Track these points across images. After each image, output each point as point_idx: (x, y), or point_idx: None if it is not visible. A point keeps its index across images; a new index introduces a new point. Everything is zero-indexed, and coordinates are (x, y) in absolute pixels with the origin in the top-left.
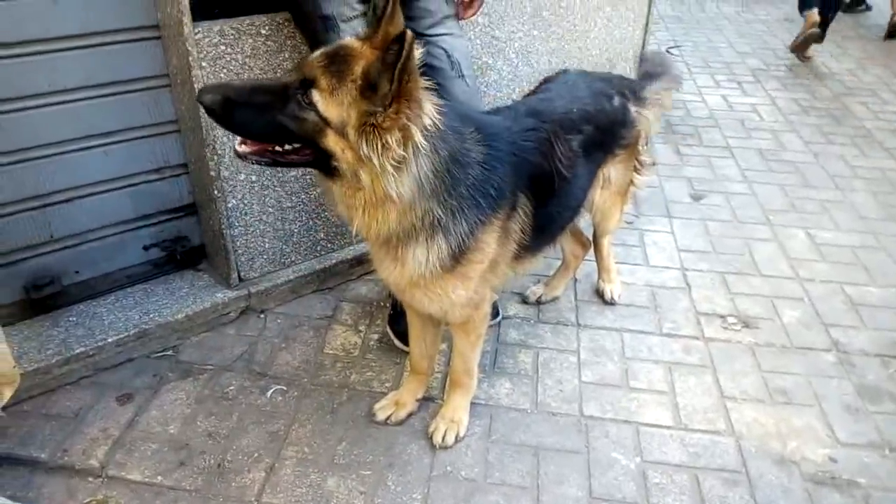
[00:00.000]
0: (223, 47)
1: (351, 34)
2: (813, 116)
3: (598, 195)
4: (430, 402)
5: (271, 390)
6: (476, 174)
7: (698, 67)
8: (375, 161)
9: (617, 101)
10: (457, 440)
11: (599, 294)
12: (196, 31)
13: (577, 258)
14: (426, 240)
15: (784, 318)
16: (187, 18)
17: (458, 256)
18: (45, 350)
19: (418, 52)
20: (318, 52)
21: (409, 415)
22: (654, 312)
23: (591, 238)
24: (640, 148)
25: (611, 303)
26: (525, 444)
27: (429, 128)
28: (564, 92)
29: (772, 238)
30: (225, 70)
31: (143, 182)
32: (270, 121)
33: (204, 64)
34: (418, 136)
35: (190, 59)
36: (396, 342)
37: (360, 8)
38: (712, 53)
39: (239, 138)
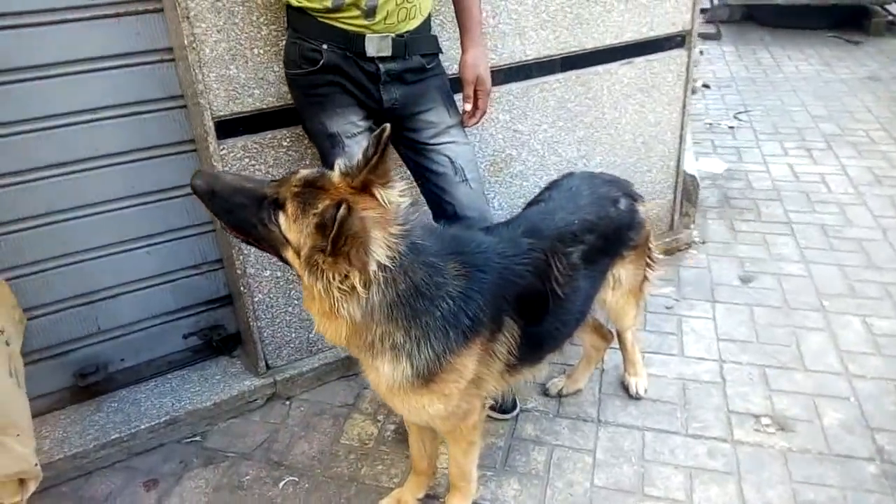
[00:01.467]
0: (247, 160)
1: (357, 148)
2: (886, 186)
3: (610, 296)
4: (434, 501)
5: (284, 481)
6: (447, 307)
7: (766, 134)
8: (320, 288)
9: (623, 203)
10: None
11: (624, 387)
12: (221, 147)
13: (598, 351)
14: (391, 359)
15: (825, 419)
16: (212, 137)
17: (427, 378)
18: (85, 435)
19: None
20: (299, 176)
21: None
22: (682, 410)
23: (613, 330)
24: (651, 245)
25: (635, 398)
26: None
27: (380, 269)
28: (566, 202)
29: (823, 327)
30: None
31: (183, 277)
32: (245, 219)
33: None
34: (358, 283)
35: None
36: None
37: (363, 124)
38: (784, 118)
39: None
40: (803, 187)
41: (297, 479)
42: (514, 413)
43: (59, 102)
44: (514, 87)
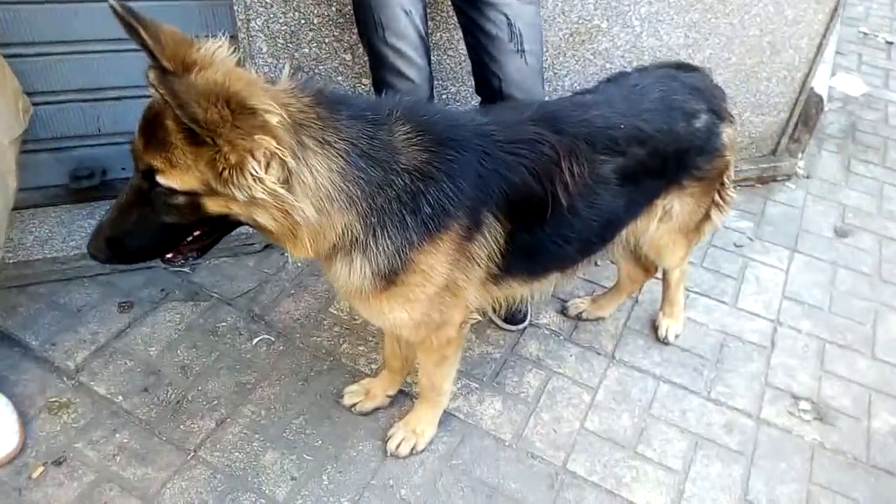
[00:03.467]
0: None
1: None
2: None
3: (653, 228)
4: (406, 399)
5: (259, 338)
6: (402, 185)
7: None
8: (260, 196)
9: (702, 120)
10: (412, 453)
11: (654, 327)
12: None
13: (633, 283)
14: (348, 257)
15: (875, 421)
16: None
17: (388, 277)
18: (69, 240)
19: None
20: (135, 133)
21: (377, 408)
22: (712, 368)
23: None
24: (727, 180)
25: (663, 342)
26: (483, 482)
27: (288, 129)
28: (620, 99)
29: None
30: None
31: None
32: (157, 228)
33: None
34: (277, 150)
35: None
36: None
37: None
38: None
39: None
40: None
41: (272, 338)
42: (521, 326)
43: None
44: None
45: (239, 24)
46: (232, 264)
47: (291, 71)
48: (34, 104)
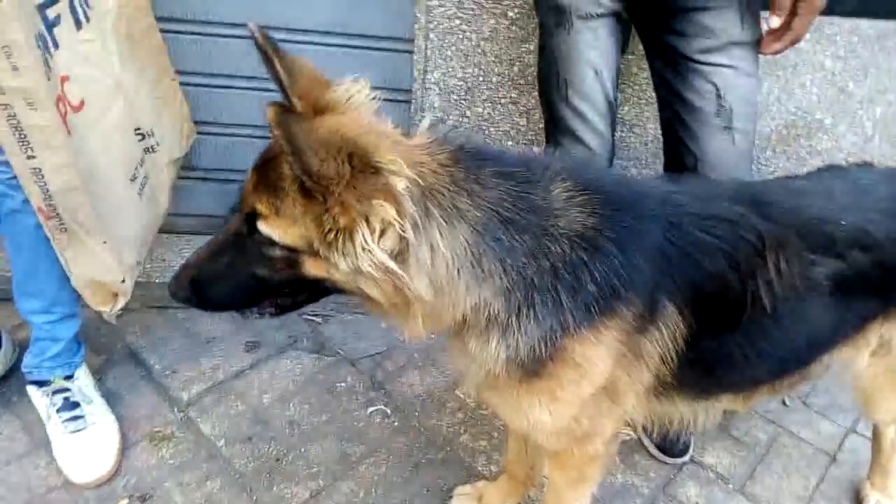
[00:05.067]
0: (458, 21)
1: (591, 38)
2: None
3: (863, 362)
4: None
5: (374, 408)
6: (560, 253)
7: None
8: (366, 268)
9: None
10: None
11: (858, 500)
12: None
13: None
14: (481, 337)
15: None
16: None
17: (532, 367)
18: None
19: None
20: (249, 171)
21: None
22: None
23: None
24: None
25: None
26: None
27: (411, 195)
28: (841, 193)
29: None
30: (453, 49)
31: None
32: (246, 279)
33: (432, 36)
34: (396, 223)
35: (416, 26)
36: None
37: (609, 5)
38: None
39: None
40: None
41: (389, 411)
42: (681, 460)
43: None
44: (863, 24)
45: (416, 74)
46: (363, 322)
47: (431, 122)
48: (214, 134)
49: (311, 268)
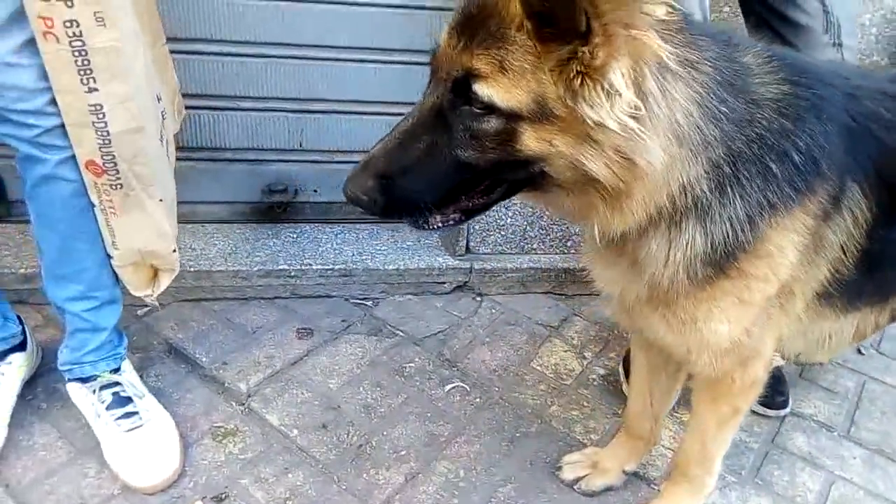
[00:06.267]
0: None
1: None
2: None
3: None
4: (642, 484)
5: (452, 385)
6: (768, 120)
7: None
8: (610, 120)
9: None
10: None
11: None
12: None
13: None
14: (670, 228)
15: None
16: None
17: (723, 260)
18: (254, 256)
19: None
20: (443, 34)
21: (608, 489)
22: None
23: None
24: None
25: None
26: None
27: (666, 40)
28: None
29: None
30: None
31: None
32: (447, 167)
33: None
34: (663, 53)
35: None
36: (626, 388)
37: None
38: None
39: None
40: None
41: (468, 388)
42: (783, 412)
43: None
44: None
45: None
46: (417, 303)
47: None
48: (242, 110)
49: (531, 140)
